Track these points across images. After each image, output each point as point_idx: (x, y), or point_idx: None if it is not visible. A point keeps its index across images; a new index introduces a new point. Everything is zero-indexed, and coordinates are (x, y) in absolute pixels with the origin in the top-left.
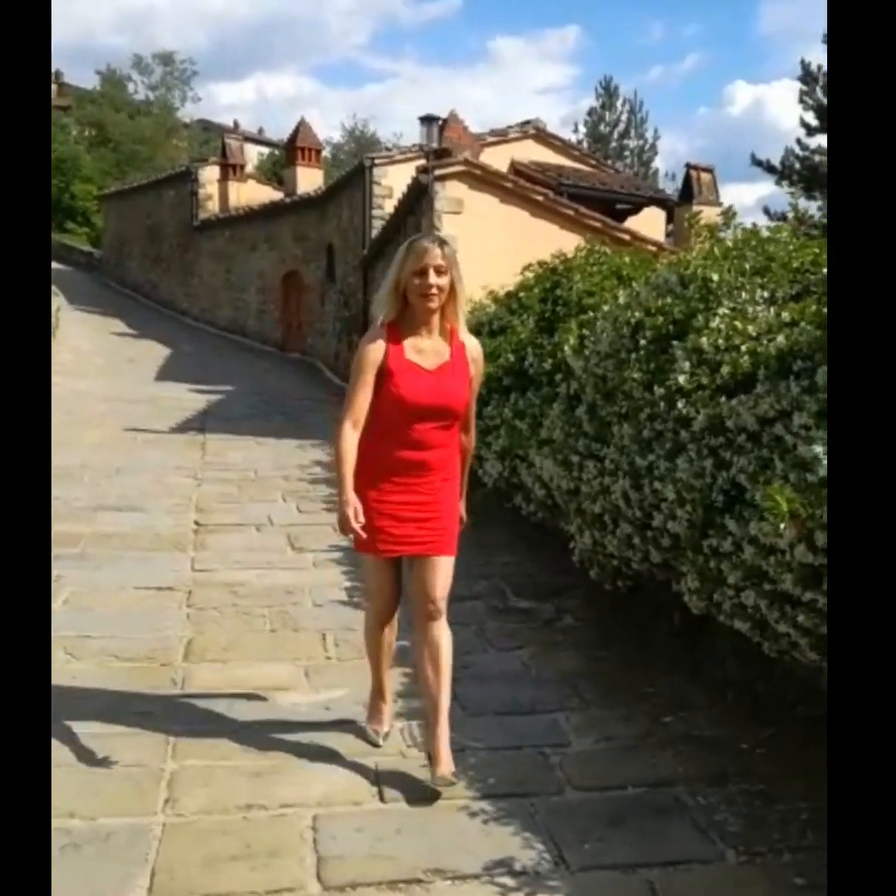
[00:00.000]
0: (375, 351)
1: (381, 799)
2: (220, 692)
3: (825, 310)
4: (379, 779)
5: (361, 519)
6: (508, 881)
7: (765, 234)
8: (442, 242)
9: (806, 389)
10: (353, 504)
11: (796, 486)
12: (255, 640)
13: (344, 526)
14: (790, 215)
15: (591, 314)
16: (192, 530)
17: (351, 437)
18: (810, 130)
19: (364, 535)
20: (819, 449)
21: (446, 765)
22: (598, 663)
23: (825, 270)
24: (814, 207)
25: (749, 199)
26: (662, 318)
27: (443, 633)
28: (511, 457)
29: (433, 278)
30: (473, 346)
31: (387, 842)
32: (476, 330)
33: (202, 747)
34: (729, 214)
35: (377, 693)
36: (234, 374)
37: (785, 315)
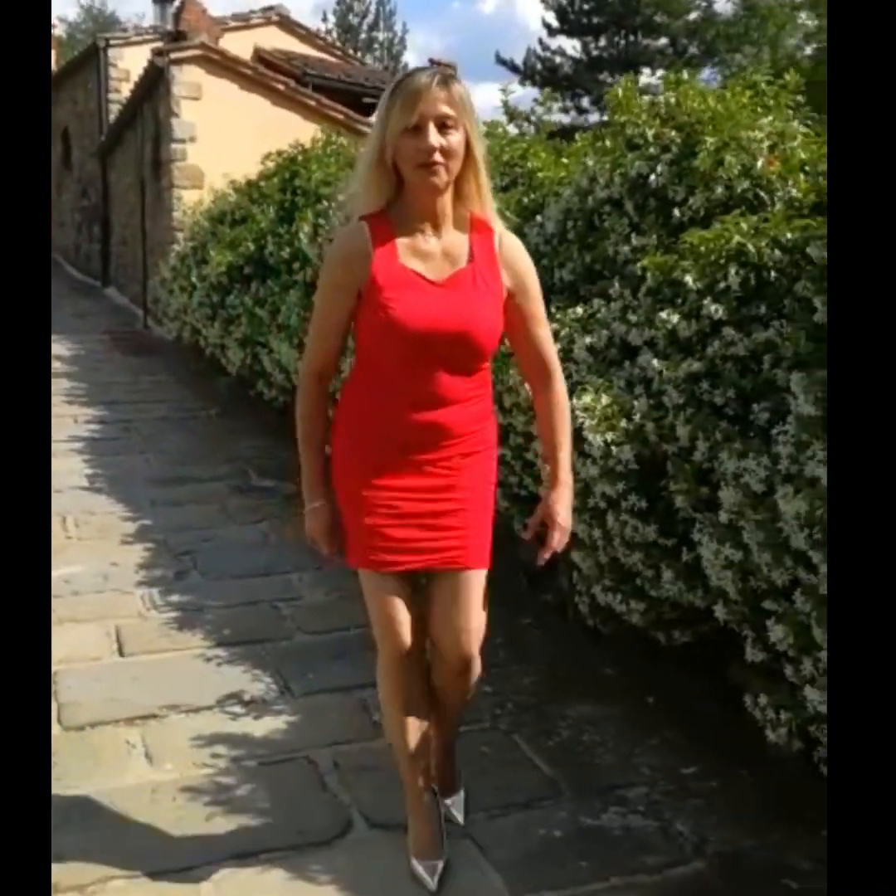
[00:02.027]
0: (350, 258)
1: (120, 654)
2: None
3: (526, 199)
4: (119, 638)
5: (334, 546)
6: (238, 709)
7: (481, 128)
8: (447, 78)
9: None
10: (324, 520)
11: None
12: None
13: (314, 542)
14: (534, 115)
15: (326, 204)
16: None
17: (313, 398)
18: (551, 31)
19: (333, 551)
20: None
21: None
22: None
23: (530, 164)
24: (556, 109)
25: (500, 99)
26: None
27: (471, 678)
28: (252, 344)
29: (434, 137)
30: (511, 245)
31: (124, 688)
32: (219, 219)
33: None
34: None
35: (413, 807)
36: None
37: (495, 204)
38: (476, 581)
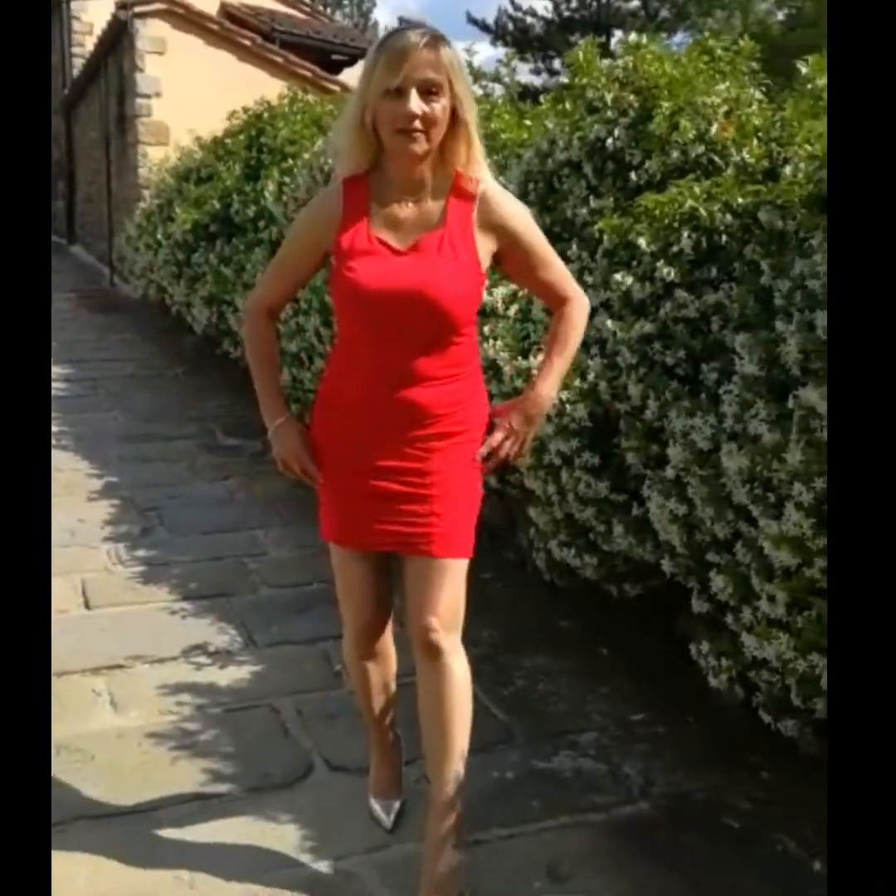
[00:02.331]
0: (320, 221)
1: (87, 607)
2: None
3: (488, 160)
4: (85, 591)
5: (308, 464)
6: (203, 660)
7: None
8: (436, 39)
9: None
10: (291, 437)
11: None
12: None
13: (284, 463)
14: (502, 75)
15: (292, 161)
16: None
17: (264, 331)
18: None
19: (305, 470)
20: None
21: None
22: (299, 487)
23: (493, 125)
24: (527, 71)
25: (476, 60)
26: None
27: (446, 678)
28: (218, 302)
29: (415, 103)
30: (495, 200)
31: (90, 639)
32: (185, 177)
33: None
34: None
35: (375, 749)
36: None
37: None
38: (445, 568)
